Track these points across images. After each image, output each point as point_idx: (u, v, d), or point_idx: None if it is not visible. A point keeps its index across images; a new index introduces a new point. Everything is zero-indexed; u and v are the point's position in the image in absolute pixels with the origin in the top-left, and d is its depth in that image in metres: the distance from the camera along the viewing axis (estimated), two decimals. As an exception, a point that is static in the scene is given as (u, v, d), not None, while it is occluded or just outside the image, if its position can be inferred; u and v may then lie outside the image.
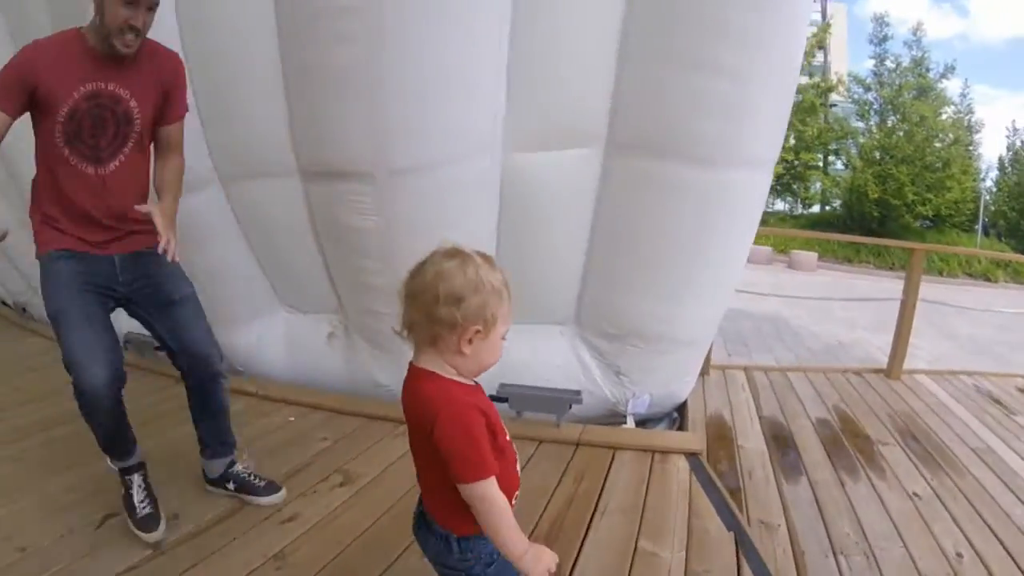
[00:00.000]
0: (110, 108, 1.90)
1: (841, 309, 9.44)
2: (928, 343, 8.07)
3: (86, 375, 1.80)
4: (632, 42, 2.63)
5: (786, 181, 27.28)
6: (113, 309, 2.07)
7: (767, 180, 3.05)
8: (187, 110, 2.15)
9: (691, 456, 2.84)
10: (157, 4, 1.80)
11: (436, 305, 1.11)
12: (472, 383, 1.22)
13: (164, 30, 2.84)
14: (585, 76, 2.70)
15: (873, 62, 25.85)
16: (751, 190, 2.94)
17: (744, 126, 2.66)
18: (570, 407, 3.08)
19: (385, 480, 2.50)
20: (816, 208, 29.22)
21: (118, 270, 2.03)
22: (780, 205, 31.11)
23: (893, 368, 4.60)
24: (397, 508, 2.22)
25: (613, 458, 2.81)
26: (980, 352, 8.09)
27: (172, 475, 2.32)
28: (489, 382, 3.18)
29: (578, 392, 3.14)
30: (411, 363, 1.22)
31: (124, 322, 3.94)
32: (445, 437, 1.12)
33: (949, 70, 24.69)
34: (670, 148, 2.71)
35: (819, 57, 29.56)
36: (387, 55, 2.54)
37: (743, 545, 2.16)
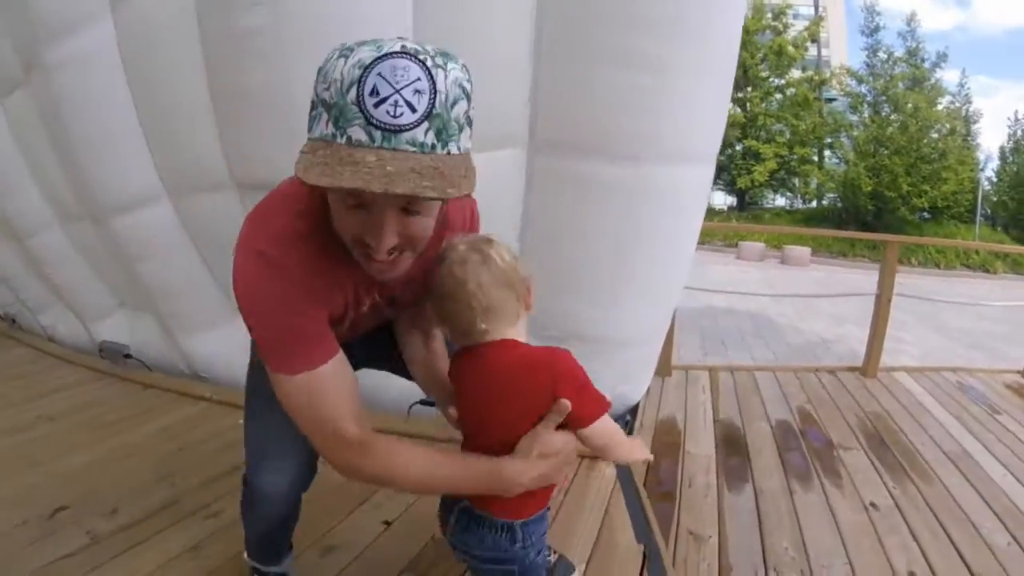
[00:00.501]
0: (383, 310, 1.34)
1: (830, 304, 9.20)
2: (917, 337, 7.84)
3: (266, 474, 1.39)
4: (546, 37, 2.43)
5: (781, 176, 27.16)
6: None
7: (706, 174, 2.83)
8: None
9: (620, 465, 2.60)
10: (431, 202, 1.01)
11: (517, 275, 1.19)
12: None
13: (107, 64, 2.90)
14: (499, 75, 2.48)
15: (865, 54, 25.75)
16: (686, 186, 2.71)
17: (668, 120, 2.46)
18: None
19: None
20: (814, 203, 29.08)
21: (356, 342, 1.45)
22: (780, 200, 31.00)
23: (868, 366, 4.31)
24: (310, 508, 2.08)
25: (539, 463, 2.57)
26: (974, 346, 7.82)
27: (121, 473, 2.53)
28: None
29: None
30: (478, 344, 1.20)
31: (102, 332, 4.07)
32: (571, 384, 1.14)
33: (942, 58, 24.59)
34: (591, 146, 2.51)
35: (813, 50, 29.40)
36: (294, 71, 2.41)
37: (651, 560, 1.96)
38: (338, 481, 2.33)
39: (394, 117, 0.84)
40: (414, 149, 0.86)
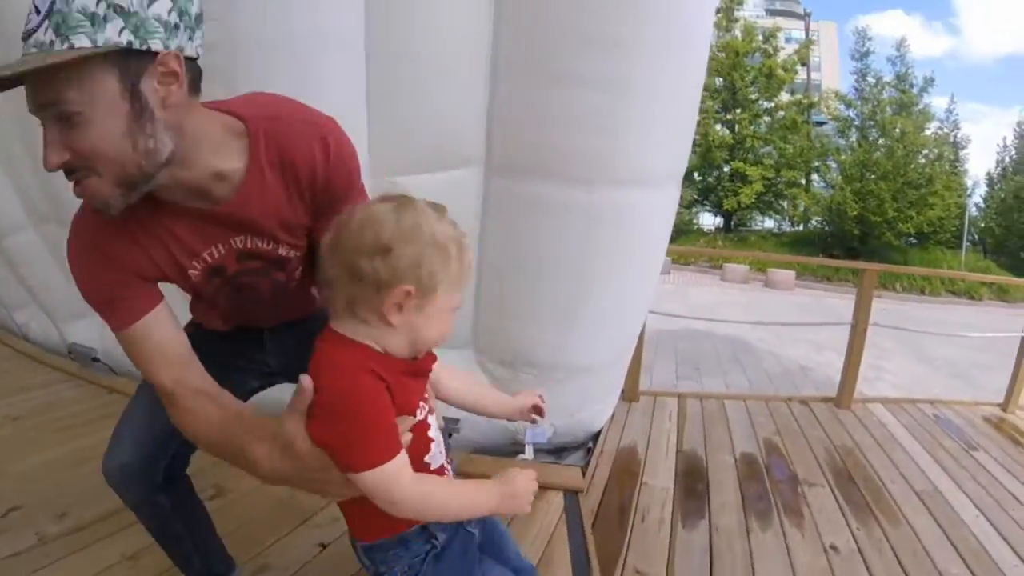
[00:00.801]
0: (253, 270, 1.21)
1: (811, 330, 9.11)
2: (898, 366, 7.75)
3: (106, 455, 1.36)
4: (503, 56, 2.37)
5: (767, 199, 27.22)
6: (259, 387, 1.54)
7: (669, 197, 2.75)
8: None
9: (569, 494, 2.52)
10: (84, 113, 0.86)
11: (359, 256, 0.87)
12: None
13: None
14: (454, 95, 2.44)
15: (855, 78, 25.92)
16: (647, 209, 2.62)
17: (625, 142, 2.37)
18: (450, 435, 2.78)
19: (254, 495, 2.42)
20: (801, 226, 29.15)
21: (267, 343, 1.47)
22: (768, 223, 31.11)
23: (843, 397, 4.21)
24: (247, 525, 2.22)
25: (487, 491, 2.47)
26: (956, 376, 7.74)
27: (75, 477, 2.48)
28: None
29: (456, 420, 2.83)
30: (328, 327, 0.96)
31: (73, 334, 4.04)
32: (330, 413, 0.89)
33: (928, 83, 24.70)
34: (545, 168, 2.44)
35: (803, 74, 29.58)
36: (242, 83, 2.36)
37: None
38: (278, 500, 2.40)
39: (26, 25, 0.83)
40: (36, 50, 0.82)
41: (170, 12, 0.88)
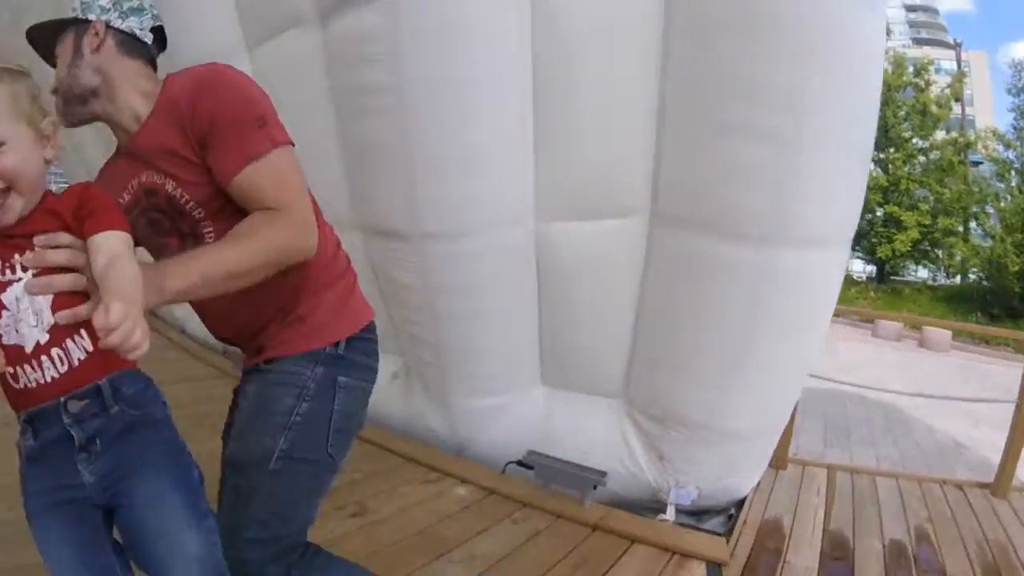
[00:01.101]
0: (156, 208, 1.33)
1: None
2: (1065, 446, 7.12)
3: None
4: (670, 109, 2.45)
5: (923, 248, 25.31)
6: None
7: (838, 260, 2.74)
8: (250, 157, 1.25)
9: (712, 565, 2.54)
10: None
11: None
12: None
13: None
14: (620, 144, 2.58)
15: (1012, 116, 23.76)
16: (813, 272, 2.61)
17: (796, 200, 2.39)
18: (594, 487, 2.90)
19: (396, 520, 2.60)
20: (958, 278, 26.93)
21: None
22: (923, 272, 28.98)
23: (1000, 484, 3.96)
24: (403, 542, 2.40)
25: (626, 551, 2.55)
26: None
27: (215, 474, 2.71)
28: (519, 447, 3.17)
29: (603, 474, 2.95)
30: None
31: None
32: None
33: (1087, 121, 22.23)
34: (712, 223, 2.49)
35: (956, 109, 27.20)
36: (413, 131, 2.65)
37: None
38: (419, 528, 2.54)
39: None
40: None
41: (108, 1, 1.35)
